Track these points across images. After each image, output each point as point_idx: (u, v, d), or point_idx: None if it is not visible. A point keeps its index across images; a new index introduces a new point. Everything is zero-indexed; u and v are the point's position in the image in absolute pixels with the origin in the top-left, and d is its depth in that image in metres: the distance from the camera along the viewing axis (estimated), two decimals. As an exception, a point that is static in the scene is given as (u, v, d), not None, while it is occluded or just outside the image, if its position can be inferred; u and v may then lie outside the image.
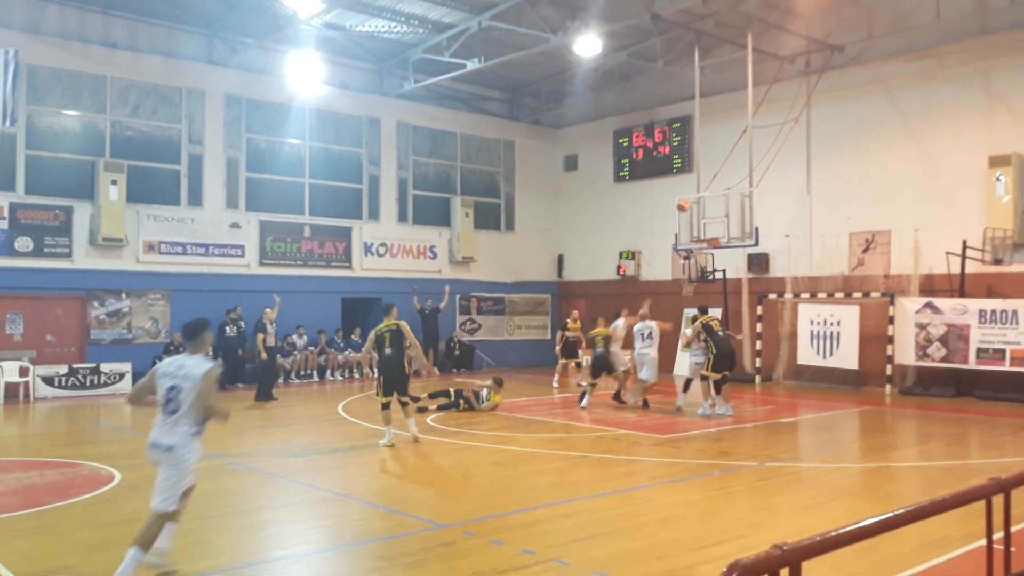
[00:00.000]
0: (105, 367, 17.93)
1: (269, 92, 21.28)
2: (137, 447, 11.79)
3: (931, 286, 17.97)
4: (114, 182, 18.47)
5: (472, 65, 20.60)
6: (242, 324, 19.24)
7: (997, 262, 16.76)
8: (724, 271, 20.51)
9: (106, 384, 17.92)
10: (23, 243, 17.76)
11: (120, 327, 18.94)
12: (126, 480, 9.25)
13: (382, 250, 23.28)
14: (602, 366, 15.57)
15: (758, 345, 20.49)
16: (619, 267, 24.75)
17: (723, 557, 6.02)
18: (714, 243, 17.51)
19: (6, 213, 17.64)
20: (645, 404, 15.41)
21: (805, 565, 3.04)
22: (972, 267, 17.14)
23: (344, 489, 8.89)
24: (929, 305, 17.29)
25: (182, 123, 20.16)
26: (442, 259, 24.45)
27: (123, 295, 19.01)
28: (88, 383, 17.70)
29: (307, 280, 21.66)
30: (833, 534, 3.29)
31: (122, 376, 18.18)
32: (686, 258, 19.30)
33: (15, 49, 17.15)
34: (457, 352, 23.79)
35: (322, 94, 21.78)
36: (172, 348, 18.66)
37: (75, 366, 17.77)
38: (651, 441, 12.02)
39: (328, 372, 21.17)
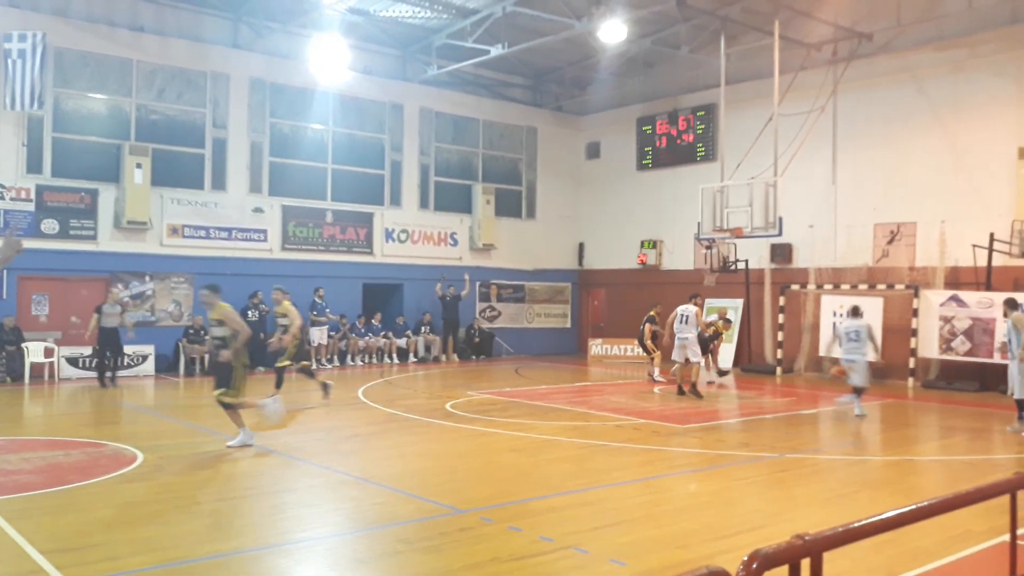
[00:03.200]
0: (128, 349, 18.11)
1: (293, 77, 21.33)
2: (160, 428, 11.97)
3: (957, 279, 17.76)
4: (139, 165, 18.62)
5: (496, 51, 20.53)
6: (263, 308, 19.38)
7: (1025, 255, 16.54)
8: (747, 261, 20.39)
9: (129, 366, 18.11)
10: (49, 225, 17.95)
11: (144, 310, 19.13)
12: (149, 460, 9.36)
13: (403, 236, 23.32)
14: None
15: (780, 336, 20.36)
16: (639, 256, 24.64)
17: (743, 547, 6.00)
18: (737, 233, 17.40)
19: (33, 195, 17.85)
20: (681, 390, 15.47)
21: (826, 556, 3.02)
22: (999, 260, 16.92)
23: (363, 473, 8.94)
24: (954, 298, 17.10)
25: (207, 107, 20.27)
26: (463, 246, 24.46)
27: (147, 278, 19.19)
28: (111, 364, 17.87)
29: (329, 265, 21.74)
30: (855, 526, 3.26)
31: (145, 358, 18.38)
32: (708, 247, 19.20)
33: (43, 32, 17.34)
34: (477, 339, 23.84)
35: (346, 79, 21.80)
36: (193, 331, 18.85)
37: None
38: (670, 431, 11.99)
39: (349, 357, 21.27)
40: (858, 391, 13.22)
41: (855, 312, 13.79)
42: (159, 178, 19.15)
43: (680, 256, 23.66)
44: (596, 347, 23.45)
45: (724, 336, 19.04)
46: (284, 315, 14.40)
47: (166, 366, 18.86)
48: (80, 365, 17.65)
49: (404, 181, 23.53)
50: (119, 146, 18.79)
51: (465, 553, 6.19)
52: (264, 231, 20.86)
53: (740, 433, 12.25)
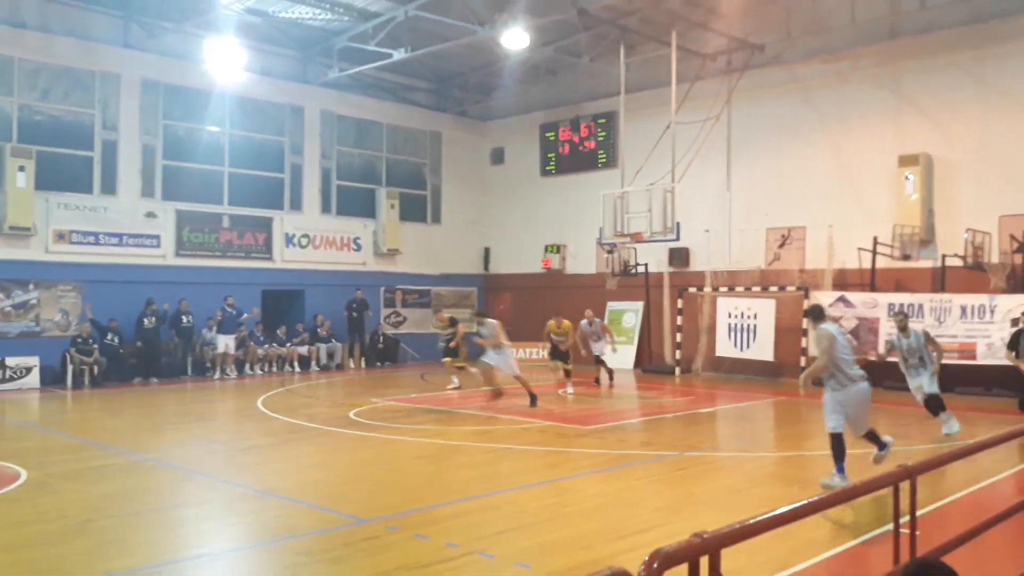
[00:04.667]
0: (11, 361, 17.18)
1: (188, 78, 20.64)
2: (46, 444, 11.38)
3: (844, 280, 18.61)
4: (22, 168, 17.67)
5: (398, 55, 20.39)
6: (160, 316, 18.81)
7: (906, 257, 17.48)
8: (646, 265, 20.88)
9: (12, 379, 17.16)
10: (-79, 231, 16.86)
11: (28, 319, 18.15)
12: (33, 478, 8.88)
13: (304, 241, 22.89)
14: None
15: (678, 337, 20.90)
16: (544, 260, 24.88)
17: (645, 546, 6.11)
18: (637, 237, 17.79)
19: (-98, 199, 16.72)
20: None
21: (724, 552, 3.11)
22: (882, 262, 17.82)
23: (263, 485, 8.72)
24: (842, 299, 17.89)
25: (96, 108, 19.41)
26: (366, 251, 24.18)
27: (31, 286, 18.22)
28: (-6, 378, 16.96)
29: (226, 272, 21.10)
30: (751, 522, 3.36)
31: (29, 370, 17.45)
32: (610, 252, 19.56)
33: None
34: (381, 345, 23.59)
35: (243, 81, 21.25)
36: (82, 341, 18.02)
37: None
38: (575, 432, 12.14)
39: (248, 366, 20.70)
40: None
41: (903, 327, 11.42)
42: (44, 182, 18.21)
43: (583, 260, 24.01)
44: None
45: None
46: None
47: (52, 378, 17.94)
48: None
49: (305, 185, 23.09)
50: (2, 148, 17.79)
51: (370, 563, 6.11)
52: (157, 236, 20.10)
53: (642, 433, 12.51)
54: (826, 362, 8.21)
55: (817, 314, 8.73)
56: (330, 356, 22.30)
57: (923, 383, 11.36)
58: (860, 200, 18.58)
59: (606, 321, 22.89)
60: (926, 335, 11.35)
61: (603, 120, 23.69)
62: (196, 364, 19.94)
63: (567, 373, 17.15)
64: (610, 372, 18.44)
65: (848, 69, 19.01)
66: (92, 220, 19.05)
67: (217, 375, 19.70)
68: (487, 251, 27.04)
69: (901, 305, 16.24)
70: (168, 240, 20.29)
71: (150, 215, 20.01)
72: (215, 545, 6.78)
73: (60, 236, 18.56)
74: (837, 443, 8.26)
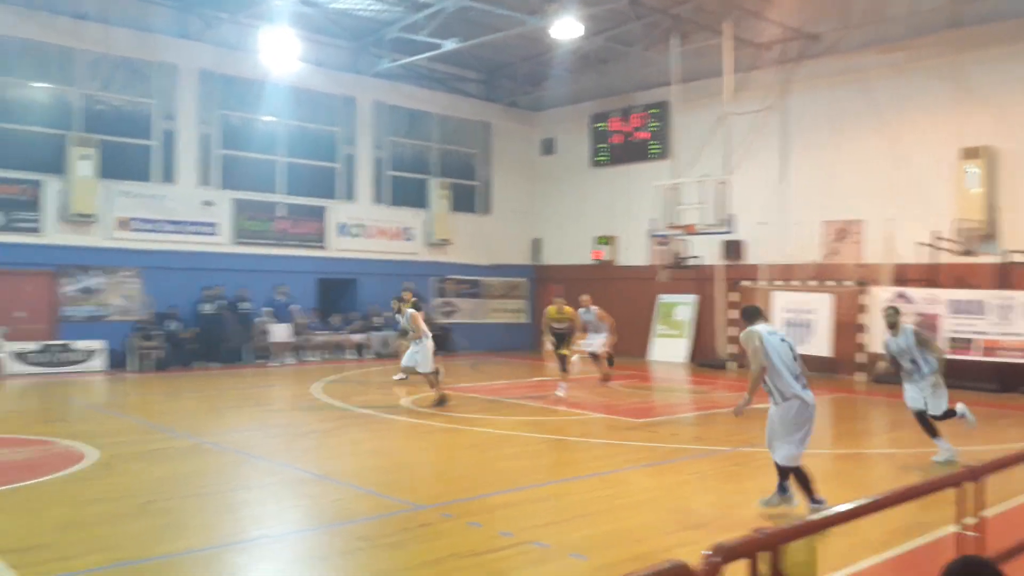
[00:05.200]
0: (77, 344, 17.74)
1: (243, 68, 20.98)
2: (110, 426, 11.73)
3: (903, 275, 18.22)
4: (85, 157, 18.18)
5: (449, 45, 20.47)
6: (221, 302, 19.26)
7: (967, 253, 17.04)
8: (699, 257, 20.68)
9: (78, 362, 17.71)
10: (-8, 217, 17.45)
11: (92, 304, 18.70)
12: (100, 458, 9.17)
13: (357, 231, 23.15)
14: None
15: (732, 331, 20.68)
16: (594, 252, 24.81)
17: (699, 541, 6.09)
18: (690, 230, 17.66)
19: (-26, 187, 17.32)
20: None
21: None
22: (943, 257, 17.40)
23: (320, 470, 8.88)
24: (901, 294, 17.54)
25: (155, 98, 19.85)
26: (418, 241, 24.37)
27: (94, 272, 18.75)
28: (60, 360, 17.51)
29: (281, 260, 21.48)
30: (812, 519, 3.36)
31: (94, 354, 17.98)
32: (662, 244, 19.43)
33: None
34: (436, 334, 23.70)
35: (297, 71, 21.51)
36: (143, 326, 18.50)
37: (47, 343, 17.56)
38: (626, 425, 12.11)
39: (304, 353, 21.04)
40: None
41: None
42: (106, 170, 18.71)
43: (634, 252, 23.87)
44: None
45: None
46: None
47: (116, 361, 18.46)
48: (27, 361, 17.19)
49: (358, 175, 23.34)
50: (64, 137, 18.31)
51: (425, 549, 6.20)
52: (215, 224, 20.53)
53: (694, 427, 12.44)
54: (758, 368, 6.95)
55: (749, 314, 7.44)
56: (384, 345, 22.56)
57: (926, 397, 9.51)
58: (919, 193, 18.16)
59: (656, 315, 22.78)
60: (916, 335, 9.62)
61: (655, 110, 23.47)
62: (254, 350, 20.33)
63: (562, 360, 14.89)
64: (607, 365, 16.56)
65: (906, 59, 18.56)
66: (152, 208, 19.52)
67: (274, 361, 20.09)
68: (537, 242, 27.05)
69: (897, 298, 15.54)
70: (225, 228, 20.71)
71: (207, 203, 20.43)
72: (274, 528, 6.93)
73: (122, 223, 19.06)
74: (798, 474, 7.00)
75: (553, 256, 26.56)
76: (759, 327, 7.13)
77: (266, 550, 6.35)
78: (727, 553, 2.85)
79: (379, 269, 23.11)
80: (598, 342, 16.36)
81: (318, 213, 22.42)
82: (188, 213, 20.09)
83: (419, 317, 13.97)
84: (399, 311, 15.12)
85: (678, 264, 19.63)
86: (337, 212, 22.76)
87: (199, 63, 20.42)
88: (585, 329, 16.20)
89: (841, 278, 18.98)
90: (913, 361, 9.54)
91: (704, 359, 21.50)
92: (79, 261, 18.51)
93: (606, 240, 24.65)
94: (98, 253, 18.73)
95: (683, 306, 22.53)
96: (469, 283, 25.52)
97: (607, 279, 23.93)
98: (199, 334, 19.31)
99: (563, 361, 14.81)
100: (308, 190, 22.29)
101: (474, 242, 25.54)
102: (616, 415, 12.90)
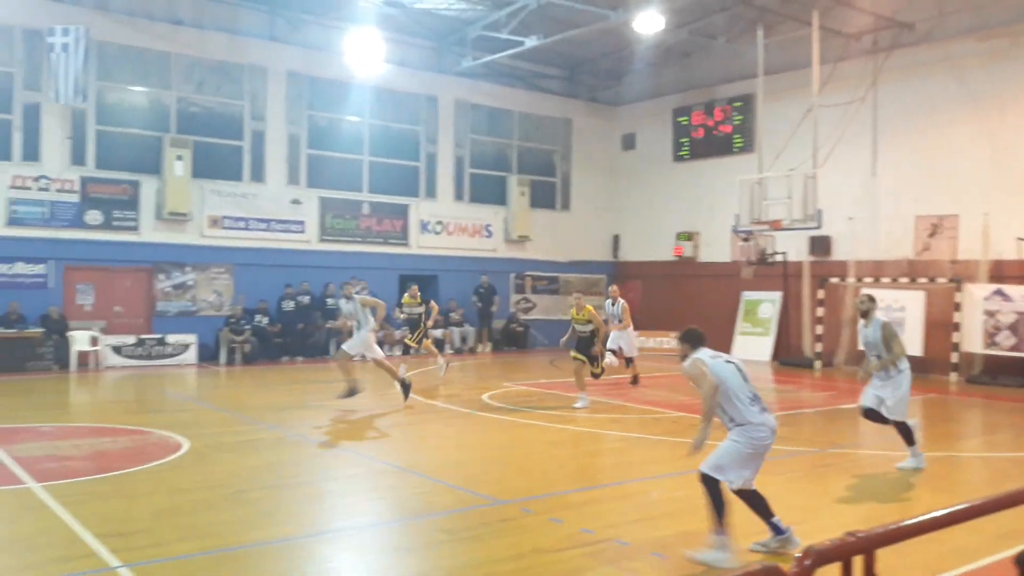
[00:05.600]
0: (171, 338, 18.46)
1: (329, 69, 21.45)
2: (202, 417, 12.17)
3: (1001, 272, 17.44)
4: (179, 157, 18.89)
5: (530, 42, 20.50)
6: (303, 299, 19.72)
7: (1071, 249, 16.21)
8: (785, 254, 20.20)
9: (171, 355, 18.44)
10: (93, 216, 18.29)
11: (185, 299, 19.43)
12: (193, 448, 9.52)
13: (438, 228, 23.43)
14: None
15: (819, 330, 20.15)
16: (676, 248, 24.50)
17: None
18: (775, 225, 17.27)
19: (78, 187, 18.18)
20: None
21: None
22: (1045, 253, 16.59)
23: (404, 463, 9.03)
24: (999, 292, 16.81)
25: (245, 100, 20.48)
26: (498, 238, 24.51)
27: (187, 268, 19.48)
28: (154, 353, 18.25)
29: (365, 256, 21.91)
30: (906, 523, 3.25)
31: (187, 347, 18.67)
32: (746, 240, 19.05)
33: (85, 27, 17.62)
34: (520, 329, 23.88)
35: (381, 72, 21.88)
36: (233, 321, 19.12)
37: (142, 336, 18.34)
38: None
39: (387, 348, 21.39)
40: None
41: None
42: (199, 170, 19.41)
43: (717, 248, 23.46)
44: (636, 339, 23.36)
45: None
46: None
47: (207, 355, 19.14)
48: (124, 354, 17.98)
49: (439, 173, 23.61)
50: (160, 138, 19.07)
51: (507, 544, 6.23)
52: (302, 222, 21.07)
53: (780, 427, 12.13)
54: (710, 388, 6.00)
55: (690, 338, 6.34)
56: (463, 340, 22.78)
57: (884, 397, 8.86)
58: (1019, 187, 17.34)
59: (741, 313, 22.35)
60: (884, 328, 8.83)
61: (739, 103, 23.02)
62: (339, 345, 20.74)
63: (595, 376, 13.75)
64: (630, 367, 15.55)
65: (1005, 47, 17.72)
66: (242, 206, 20.16)
67: (358, 356, 20.46)
68: (617, 238, 26.86)
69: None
70: (312, 226, 21.23)
71: (295, 202, 20.98)
72: (358, 518, 7.08)
73: (213, 221, 19.74)
74: (752, 498, 6.15)
75: (633, 252, 26.33)
76: (702, 354, 6.20)
77: (351, 540, 6.49)
78: (818, 557, 2.78)
79: (459, 266, 23.34)
80: (625, 341, 15.39)
81: (401, 211, 22.77)
82: (276, 211, 20.67)
83: (373, 303, 13.09)
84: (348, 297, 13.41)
85: (763, 260, 19.21)
86: (419, 210, 23.07)
87: (287, 65, 20.97)
88: (608, 323, 15.03)
89: (934, 275, 18.28)
90: (879, 356, 8.89)
91: (789, 358, 21.00)
92: (173, 258, 19.25)
93: (687, 236, 24.31)
94: (191, 251, 19.45)
95: (767, 303, 22.06)
96: (547, 279, 25.52)
97: (688, 276, 23.61)
98: (283, 329, 19.84)
99: (594, 361, 13.39)
100: (391, 188, 22.66)
101: (553, 238, 25.53)
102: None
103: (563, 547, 6.10)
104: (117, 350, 17.94)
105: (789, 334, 21.40)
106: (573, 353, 13.47)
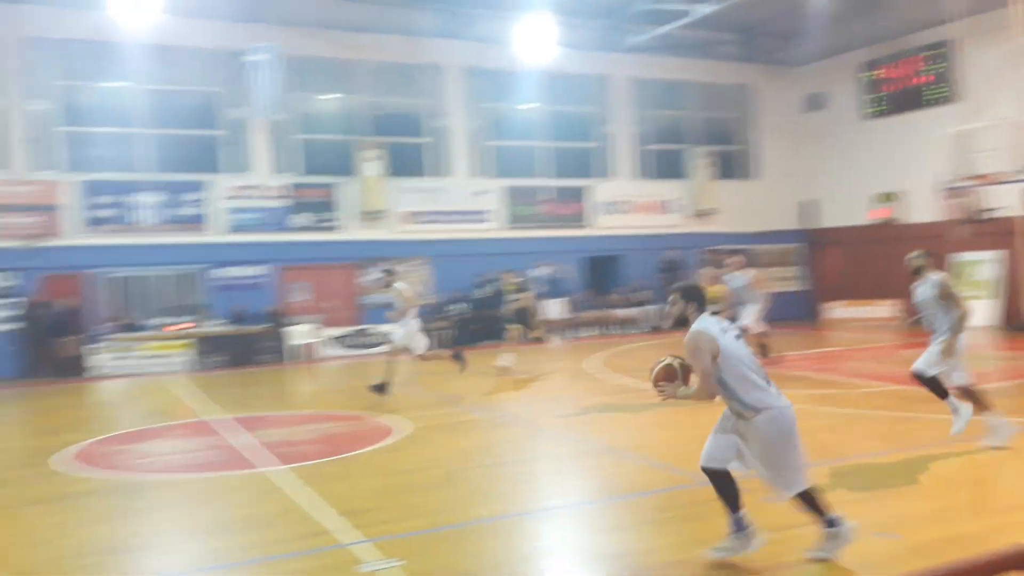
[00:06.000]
0: (377, 328, 19.69)
1: (502, 60, 21.85)
2: (413, 401, 12.80)
3: None
4: (373, 159, 20.02)
5: (702, 10, 19.96)
6: (494, 285, 20.33)
7: None
8: (1000, 209, 18.55)
9: (378, 344, 19.60)
10: (302, 219, 19.80)
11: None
12: (407, 431, 10.06)
13: (619, 207, 23.38)
14: None
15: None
16: (873, 210, 23.13)
17: (1017, 525, 5.59)
18: (986, 179, 15.94)
19: (286, 192, 19.73)
20: None
21: None
22: None
23: (608, 442, 9.13)
24: None
25: (426, 97, 21.31)
26: (679, 212, 24.14)
27: (387, 262, 20.59)
28: (362, 343, 19.52)
29: (548, 241, 22.26)
30: None
31: (392, 336, 19.85)
32: (954, 197, 17.70)
33: (277, 45, 18.93)
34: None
35: (552, 57, 22.03)
36: (431, 309, 20.05)
37: (352, 328, 19.69)
38: (924, 396, 11.22)
39: (577, 329, 21.76)
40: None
41: None
42: (391, 168, 20.46)
43: (919, 208, 21.94)
44: (838, 309, 22.40)
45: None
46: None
47: (408, 343, 20.23)
48: (337, 344, 19.39)
49: (615, 152, 23.54)
50: (355, 142, 20.26)
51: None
52: (487, 212, 21.71)
53: (1008, 399, 11.24)
54: (708, 389, 5.02)
55: (695, 296, 5.16)
56: (650, 318, 22.66)
57: (938, 363, 8.16)
58: None
59: (951, 277, 20.77)
60: (941, 286, 8.08)
61: (936, 51, 21.34)
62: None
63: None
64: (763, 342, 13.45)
65: None
66: (431, 200, 21.06)
67: (546, 339, 20.95)
68: (807, 204, 25.69)
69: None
70: (497, 214, 21.83)
71: (479, 192, 21.65)
72: (571, 497, 7.27)
73: (406, 217, 20.77)
74: (722, 480, 5.31)
75: (826, 218, 25.13)
76: (709, 324, 5.05)
77: (565, 518, 6.67)
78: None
79: (641, 244, 23.20)
80: (749, 316, 13.60)
81: (578, 193, 22.91)
82: (463, 203, 21.43)
83: (409, 291, 12.76)
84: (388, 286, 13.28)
85: (975, 218, 17.76)
86: (596, 190, 23.12)
87: (463, 60, 21.59)
88: (732, 301, 13.59)
89: None
90: (935, 315, 8.16)
91: (1019, 322, 19.25)
92: (373, 254, 20.39)
93: (887, 197, 22.86)
94: (389, 245, 20.55)
95: (986, 264, 20.36)
96: (735, 253, 24.78)
97: (888, 239, 22.23)
98: (477, 316, 20.57)
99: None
100: (570, 171, 22.89)
101: (737, 209, 24.79)
102: (913, 386, 12.00)
103: (783, 525, 5.95)
104: (331, 342, 19.32)
105: (1014, 297, 19.62)
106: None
